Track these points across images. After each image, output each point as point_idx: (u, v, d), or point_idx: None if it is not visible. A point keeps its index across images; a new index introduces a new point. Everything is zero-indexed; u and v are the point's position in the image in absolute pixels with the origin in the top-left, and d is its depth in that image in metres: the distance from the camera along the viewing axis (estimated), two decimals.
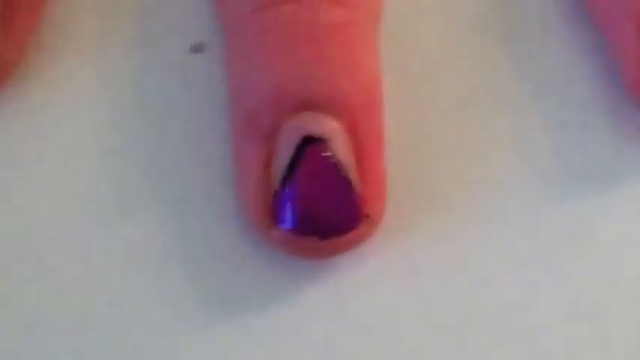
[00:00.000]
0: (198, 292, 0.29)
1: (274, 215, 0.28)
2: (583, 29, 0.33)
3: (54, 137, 0.31)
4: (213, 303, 0.29)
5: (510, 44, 0.33)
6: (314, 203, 0.28)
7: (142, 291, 0.29)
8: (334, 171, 0.28)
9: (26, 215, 0.30)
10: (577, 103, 0.32)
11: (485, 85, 0.32)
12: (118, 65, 0.32)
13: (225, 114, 0.31)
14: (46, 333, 0.29)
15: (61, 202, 0.30)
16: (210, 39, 0.32)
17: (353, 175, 0.28)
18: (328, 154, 0.28)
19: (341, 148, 0.28)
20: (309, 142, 0.28)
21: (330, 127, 0.28)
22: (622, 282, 0.29)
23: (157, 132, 0.31)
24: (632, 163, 0.31)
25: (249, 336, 0.29)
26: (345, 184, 0.28)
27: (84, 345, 0.29)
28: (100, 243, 0.30)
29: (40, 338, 0.29)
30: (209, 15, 0.33)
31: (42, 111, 0.32)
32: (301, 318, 0.29)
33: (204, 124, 0.31)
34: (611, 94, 0.32)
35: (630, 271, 0.30)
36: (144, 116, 0.31)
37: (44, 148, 0.31)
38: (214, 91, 0.32)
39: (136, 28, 0.33)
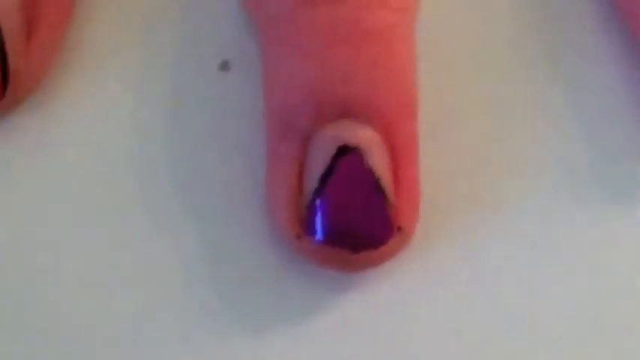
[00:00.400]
0: (226, 303, 0.29)
1: (306, 225, 0.28)
2: (619, 39, 0.32)
3: (77, 152, 0.31)
4: (239, 314, 0.29)
5: (544, 54, 0.32)
6: (347, 215, 0.27)
7: (171, 303, 0.29)
8: (369, 182, 0.27)
9: (52, 226, 0.30)
10: (610, 109, 0.31)
11: (516, 91, 0.32)
12: (143, 82, 0.32)
13: (253, 129, 0.30)
14: (70, 345, 0.28)
15: (86, 215, 0.30)
16: (237, 56, 0.32)
17: (388, 187, 0.28)
18: (364, 164, 0.27)
19: (377, 159, 0.28)
20: (345, 152, 0.28)
21: (366, 137, 0.28)
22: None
23: (185, 147, 0.31)
24: None
25: (277, 349, 0.28)
26: (380, 196, 0.27)
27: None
28: (129, 256, 0.29)
29: (60, 350, 0.28)
30: (236, 31, 0.32)
31: (65, 126, 0.31)
32: (331, 332, 0.29)
33: (233, 140, 0.31)
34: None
35: None
36: (171, 131, 0.31)
37: (68, 163, 0.31)
38: (242, 107, 0.31)
39: (161, 44, 0.32)
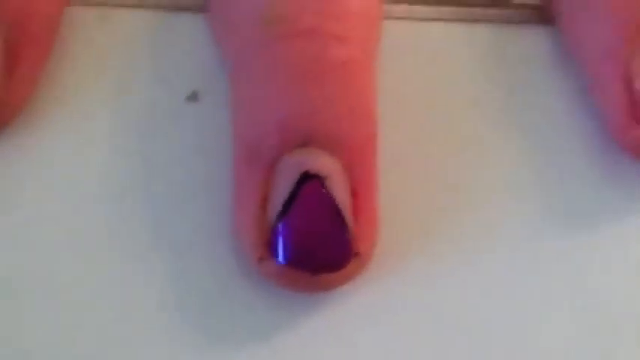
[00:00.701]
0: (195, 326, 0.30)
1: (269, 248, 0.29)
2: (571, 74, 0.34)
3: (52, 182, 0.31)
4: (209, 335, 0.30)
5: (504, 96, 0.34)
6: (308, 239, 0.29)
7: (139, 328, 0.30)
8: (330, 208, 0.29)
9: (24, 251, 0.30)
10: (566, 146, 0.33)
11: (479, 131, 0.33)
12: (116, 114, 0.33)
13: (220, 160, 0.32)
14: None
15: (59, 242, 0.31)
16: (205, 87, 0.33)
17: (347, 213, 0.29)
18: (325, 191, 0.29)
19: (338, 186, 0.29)
20: (307, 179, 0.29)
21: (328, 164, 0.29)
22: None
23: (156, 175, 0.32)
24: (616, 203, 0.32)
25: None
26: (340, 222, 0.29)
27: None
28: (96, 289, 0.30)
29: None
30: (205, 62, 0.34)
31: (41, 157, 0.32)
32: (295, 350, 0.30)
33: (201, 169, 0.32)
34: (598, 137, 0.33)
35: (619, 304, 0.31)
36: (142, 159, 0.32)
37: (46, 195, 0.31)
38: (211, 137, 0.32)
39: (133, 76, 0.33)
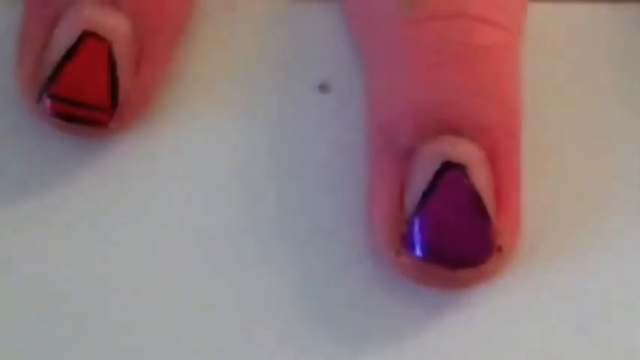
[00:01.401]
0: (327, 324, 0.29)
1: (406, 241, 0.27)
2: None
3: (180, 180, 0.31)
4: (339, 335, 0.29)
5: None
6: (447, 232, 0.27)
7: (269, 324, 0.29)
8: (472, 200, 0.27)
9: (147, 259, 0.30)
10: None
11: (624, 123, 0.31)
12: (244, 108, 0.32)
13: (354, 151, 0.30)
14: None
15: (185, 240, 0.30)
16: (337, 77, 0.32)
17: (490, 205, 0.27)
18: (466, 182, 0.27)
19: (480, 177, 0.27)
20: (448, 168, 0.27)
21: (471, 154, 0.28)
22: None
23: (288, 168, 0.31)
24: None
25: None
26: (482, 214, 0.27)
27: None
28: (225, 286, 0.29)
29: None
30: (335, 53, 0.32)
31: (168, 154, 0.31)
32: (428, 354, 0.28)
33: (334, 162, 0.31)
34: None
35: None
36: (273, 153, 0.31)
37: (168, 192, 0.31)
38: (344, 128, 0.31)
39: (261, 70, 0.32)
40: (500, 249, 0.27)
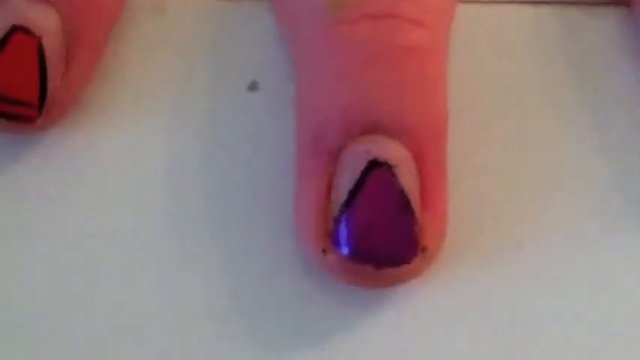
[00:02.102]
0: (251, 324, 0.29)
1: (332, 240, 0.28)
2: None
3: (110, 175, 0.31)
4: (264, 335, 0.29)
5: (574, 83, 0.32)
6: (373, 230, 0.27)
7: (198, 325, 0.29)
8: (398, 199, 0.27)
9: (77, 263, 0.29)
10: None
11: (550, 123, 0.32)
12: (173, 108, 0.32)
13: (282, 150, 0.31)
14: None
15: (110, 244, 0.30)
16: (266, 77, 0.32)
17: (416, 205, 0.28)
18: (393, 181, 0.28)
19: (407, 176, 0.28)
20: (375, 167, 0.28)
21: (397, 153, 0.28)
22: None
23: (217, 168, 0.31)
24: None
25: None
26: (407, 213, 0.27)
27: None
28: (154, 286, 0.29)
29: None
30: (264, 52, 0.32)
31: (99, 149, 0.31)
32: (353, 352, 0.29)
33: (263, 160, 0.31)
34: None
35: None
36: (203, 151, 0.31)
37: (101, 193, 0.30)
38: (272, 127, 0.31)
39: (191, 67, 0.32)
40: (424, 249, 0.28)
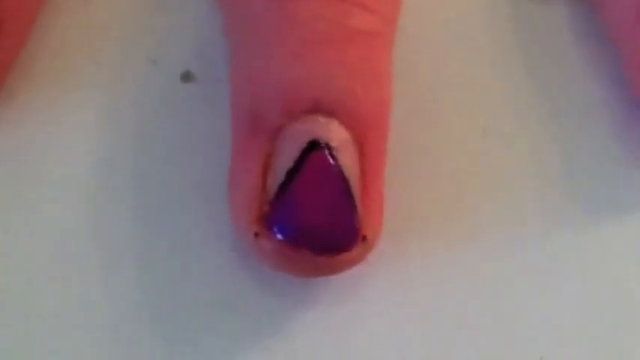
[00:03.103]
0: (184, 318, 0.28)
1: (267, 221, 0.26)
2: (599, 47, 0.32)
3: (35, 159, 0.29)
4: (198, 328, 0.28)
5: (526, 68, 0.32)
6: (311, 213, 0.26)
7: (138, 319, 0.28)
8: (338, 182, 0.26)
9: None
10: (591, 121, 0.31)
11: (497, 109, 0.31)
12: (104, 98, 0.30)
13: (217, 139, 0.29)
14: None
15: (32, 242, 0.28)
16: (199, 67, 0.31)
17: (356, 190, 0.26)
18: (335, 163, 0.26)
19: (348, 160, 0.26)
20: (315, 147, 0.26)
21: (340, 135, 0.26)
22: None
23: (150, 160, 0.30)
24: None
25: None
26: (348, 199, 0.26)
27: None
28: (88, 277, 0.28)
29: None
30: (198, 41, 0.31)
31: (21, 131, 0.30)
32: (290, 343, 0.28)
33: (197, 152, 0.30)
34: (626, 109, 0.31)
35: None
36: (135, 143, 0.30)
37: (22, 169, 0.29)
38: (208, 117, 0.30)
39: (123, 56, 0.31)
40: (364, 238, 0.26)
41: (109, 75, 0.31)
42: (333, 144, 0.26)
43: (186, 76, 0.31)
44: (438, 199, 0.29)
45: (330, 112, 0.27)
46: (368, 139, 0.27)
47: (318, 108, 0.27)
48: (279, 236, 0.26)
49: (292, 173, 0.26)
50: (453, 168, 0.30)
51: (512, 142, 0.30)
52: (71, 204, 0.29)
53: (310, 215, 0.26)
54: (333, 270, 0.27)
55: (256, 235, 0.26)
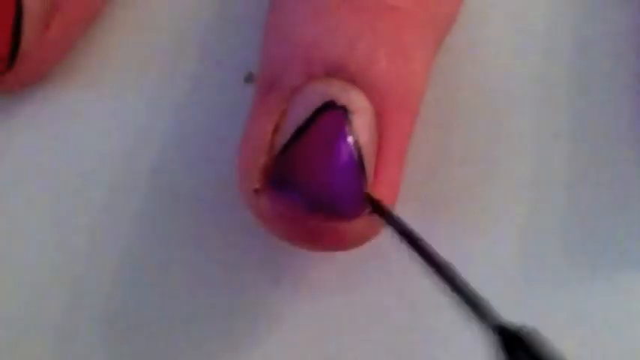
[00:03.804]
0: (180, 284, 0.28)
1: (270, 177, 0.24)
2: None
3: (73, 150, 0.29)
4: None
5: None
6: (314, 172, 0.24)
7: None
8: (349, 147, 0.24)
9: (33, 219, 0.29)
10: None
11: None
12: (160, 88, 0.30)
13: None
14: None
15: (69, 212, 0.29)
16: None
17: (369, 164, 0.25)
18: (348, 128, 0.24)
19: (365, 129, 0.25)
20: (330, 108, 0.25)
21: (359, 101, 0.25)
22: None
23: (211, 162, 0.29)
24: None
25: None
26: (358, 167, 0.24)
27: None
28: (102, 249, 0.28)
29: None
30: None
31: (63, 122, 0.30)
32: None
33: None
34: None
35: None
36: (198, 145, 0.30)
37: (61, 160, 0.29)
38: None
39: (183, 56, 0.31)
40: (370, 213, 0.24)
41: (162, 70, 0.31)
42: (351, 108, 0.25)
43: (250, 78, 0.30)
44: None
45: (350, 79, 0.25)
46: (389, 115, 0.25)
47: (339, 73, 0.25)
48: (280, 192, 0.24)
49: (302, 130, 0.25)
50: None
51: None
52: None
53: (311, 173, 0.24)
54: (330, 243, 0.25)
55: (256, 191, 0.25)
